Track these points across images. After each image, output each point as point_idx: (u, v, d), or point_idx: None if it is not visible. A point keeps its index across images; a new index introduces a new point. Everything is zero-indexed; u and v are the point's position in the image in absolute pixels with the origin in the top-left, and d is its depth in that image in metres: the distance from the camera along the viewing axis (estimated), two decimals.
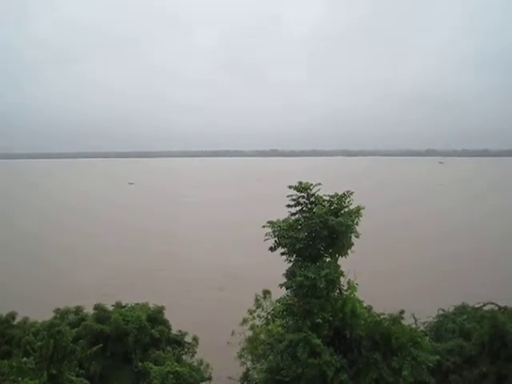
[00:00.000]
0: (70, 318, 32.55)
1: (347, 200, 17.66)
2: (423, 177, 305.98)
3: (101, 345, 28.22)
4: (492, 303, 34.19)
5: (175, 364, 28.80)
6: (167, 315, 33.51)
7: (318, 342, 16.11)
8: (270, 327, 27.55)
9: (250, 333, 32.58)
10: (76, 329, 28.73)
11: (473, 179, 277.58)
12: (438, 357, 19.49)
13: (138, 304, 33.15)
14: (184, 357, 33.13)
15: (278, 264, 18.31)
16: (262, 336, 29.81)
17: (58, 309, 33.57)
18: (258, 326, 32.36)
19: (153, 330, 30.97)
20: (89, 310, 32.71)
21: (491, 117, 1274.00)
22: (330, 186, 19.49)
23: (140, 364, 28.72)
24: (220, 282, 69.50)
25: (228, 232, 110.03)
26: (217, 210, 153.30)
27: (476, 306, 35.29)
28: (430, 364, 17.66)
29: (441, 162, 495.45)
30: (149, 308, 32.91)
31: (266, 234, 17.37)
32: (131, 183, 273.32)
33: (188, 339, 33.71)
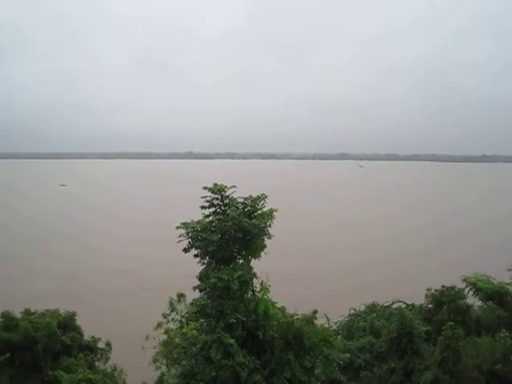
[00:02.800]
0: None
1: (261, 202, 17.78)
2: (349, 179, 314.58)
3: (8, 354, 27.18)
4: (400, 301, 35.73)
5: (88, 371, 28.01)
6: (87, 321, 32.73)
7: (232, 341, 16.10)
8: (184, 330, 27.35)
9: (164, 337, 32.29)
10: None
11: (398, 182, 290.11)
12: (348, 354, 19.99)
13: (48, 310, 31.98)
14: (97, 363, 32.34)
15: None
16: (177, 340, 29.59)
17: None
18: (172, 330, 32.09)
19: (64, 337, 29.99)
20: None
21: (399, 124, 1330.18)
22: (245, 188, 19.70)
23: (50, 373, 27.75)
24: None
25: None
26: (161, 211, 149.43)
27: (385, 304, 36.76)
28: (342, 362, 18.02)
29: (361, 166, 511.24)
30: (59, 314, 31.84)
31: (180, 236, 17.21)
32: (63, 185, 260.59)
33: (101, 345, 32.99)
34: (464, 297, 30.38)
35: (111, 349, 33.00)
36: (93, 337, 32.90)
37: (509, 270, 25.85)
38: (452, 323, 24.71)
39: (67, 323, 31.38)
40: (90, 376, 27.09)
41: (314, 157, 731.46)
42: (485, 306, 29.69)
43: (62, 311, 32.40)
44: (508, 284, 26.11)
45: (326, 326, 31.67)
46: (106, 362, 32.84)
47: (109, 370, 32.25)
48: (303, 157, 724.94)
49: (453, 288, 31.37)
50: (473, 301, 29.77)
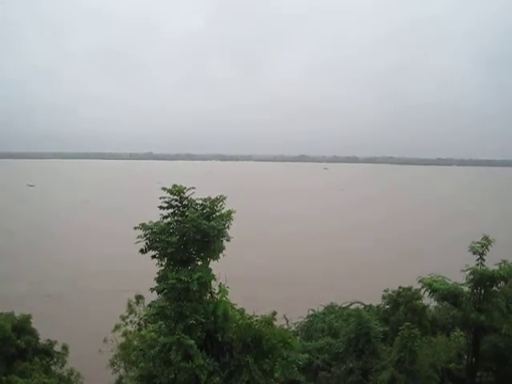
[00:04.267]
0: None
1: (220, 204, 17.77)
2: (318, 181, 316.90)
3: None
4: (358, 302, 36.21)
5: (43, 375, 27.50)
6: (44, 324, 32.05)
7: (192, 342, 16.02)
8: (142, 333, 27.09)
9: (122, 339, 31.87)
10: None
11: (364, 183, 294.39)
12: (307, 355, 20.13)
13: (1, 313, 31.19)
14: (53, 367, 31.72)
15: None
16: (135, 342, 29.26)
17: None
18: (130, 332, 31.71)
19: (19, 341, 29.30)
20: None
21: (358, 127, 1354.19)
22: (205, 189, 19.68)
23: (4, 378, 26.95)
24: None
25: None
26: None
27: (343, 305, 37.19)
28: (300, 362, 18.11)
29: (325, 168, 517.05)
30: (14, 317, 31.09)
31: (138, 237, 17.03)
32: (31, 185, 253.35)
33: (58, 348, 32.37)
34: (420, 297, 30.96)
35: (68, 352, 32.40)
36: (49, 340, 32.23)
37: (462, 270, 26.41)
38: (408, 323, 25.07)
39: (22, 326, 30.68)
40: (46, 380, 26.60)
41: (275, 159, 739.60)
42: (440, 307, 30.31)
43: (17, 314, 31.66)
44: (462, 284, 26.69)
45: (286, 327, 31.88)
46: (63, 365, 32.22)
47: (65, 373, 31.66)
48: (263, 158, 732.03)
49: (409, 289, 31.96)
50: (429, 301, 30.33)
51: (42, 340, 32.04)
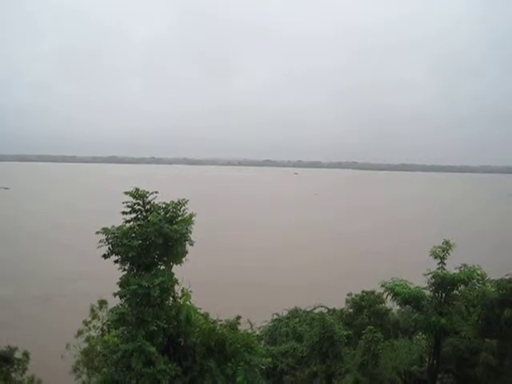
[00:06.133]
0: None
1: (182, 208, 17.71)
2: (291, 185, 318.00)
3: None
4: (322, 306, 36.39)
5: (2, 383, 26.84)
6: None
7: (153, 349, 15.95)
8: (105, 338, 26.73)
9: (85, 345, 31.34)
10: None
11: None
12: (270, 359, 20.13)
13: None
14: (13, 374, 30.94)
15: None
16: (98, 348, 28.84)
17: None
18: (93, 338, 31.22)
19: None
20: None
21: (324, 133, 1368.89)
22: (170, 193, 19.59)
23: None
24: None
25: None
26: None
27: (307, 309, 37.33)
28: (264, 367, 18.14)
29: (296, 173, 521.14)
30: None
31: (100, 241, 16.83)
32: (6, 188, 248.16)
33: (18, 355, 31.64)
34: (383, 301, 31.27)
35: (29, 359, 31.68)
36: (9, 346, 31.45)
37: (424, 274, 26.86)
38: (371, 327, 25.36)
39: None
40: None
41: (240, 163, 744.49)
42: (403, 310, 30.75)
43: None
44: (424, 288, 27.10)
45: (250, 331, 31.83)
46: (24, 372, 31.49)
47: (26, 381, 30.97)
48: (229, 163, 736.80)
49: (372, 293, 32.32)
50: (391, 305, 30.70)
51: (2, 347, 31.27)
